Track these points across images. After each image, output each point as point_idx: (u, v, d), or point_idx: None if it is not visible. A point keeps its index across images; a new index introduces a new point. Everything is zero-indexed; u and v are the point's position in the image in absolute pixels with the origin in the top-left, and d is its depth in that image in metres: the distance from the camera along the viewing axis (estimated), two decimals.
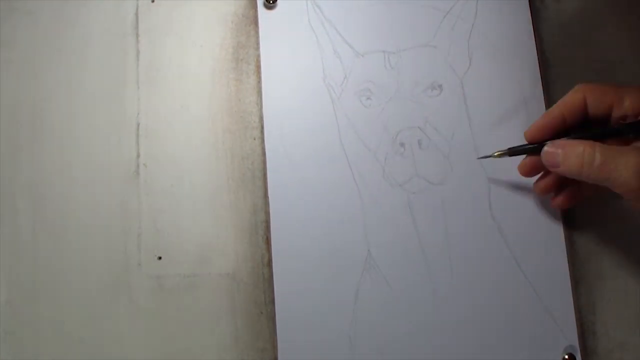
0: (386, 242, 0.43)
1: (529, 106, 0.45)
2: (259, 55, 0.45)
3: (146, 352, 0.41)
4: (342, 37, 0.45)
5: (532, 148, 0.41)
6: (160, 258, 0.42)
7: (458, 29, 0.46)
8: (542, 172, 0.42)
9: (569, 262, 0.43)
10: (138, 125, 0.44)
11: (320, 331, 0.41)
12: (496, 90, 0.45)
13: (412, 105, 0.44)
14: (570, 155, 0.37)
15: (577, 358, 0.41)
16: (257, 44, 0.46)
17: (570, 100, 0.39)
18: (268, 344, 0.42)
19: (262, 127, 0.44)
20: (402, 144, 0.44)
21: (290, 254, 0.42)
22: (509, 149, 0.42)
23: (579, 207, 0.44)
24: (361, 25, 0.46)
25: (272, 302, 0.41)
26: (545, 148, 0.39)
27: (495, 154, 0.43)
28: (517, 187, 0.44)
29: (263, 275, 0.42)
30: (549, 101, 0.45)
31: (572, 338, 0.42)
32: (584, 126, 0.40)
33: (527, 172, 0.42)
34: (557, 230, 0.43)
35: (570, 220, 0.44)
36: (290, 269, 0.42)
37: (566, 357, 0.41)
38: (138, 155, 0.44)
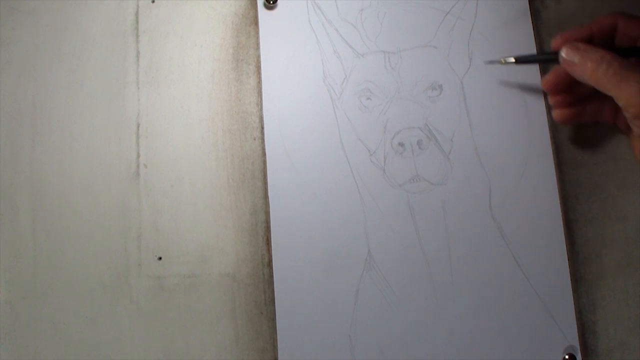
0: (386, 242, 0.43)
1: (529, 106, 0.45)
2: (259, 56, 0.45)
3: (146, 352, 0.41)
4: (342, 38, 0.45)
5: (541, 59, 0.41)
6: (160, 258, 0.42)
7: (458, 29, 0.46)
8: (561, 89, 0.42)
9: (569, 262, 0.43)
10: (138, 125, 0.44)
11: (320, 331, 0.41)
12: (496, 90, 0.45)
13: (412, 106, 0.44)
14: (588, 57, 0.37)
15: (577, 358, 0.41)
16: (258, 44, 0.46)
17: (602, 20, 0.40)
18: (268, 344, 0.41)
19: (262, 128, 0.44)
20: (402, 144, 0.44)
21: (290, 254, 0.42)
22: (515, 56, 0.43)
23: (578, 207, 0.44)
24: (361, 26, 0.46)
25: (272, 302, 0.41)
26: (567, 46, 0.39)
27: (502, 60, 0.43)
28: (517, 187, 0.44)
29: (263, 275, 0.42)
30: (549, 101, 0.45)
31: (572, 338, 0.42)
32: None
33: (550, 86, 0.42)
34: (557, 230, 0.43)
35: (570, 220, 0.44)
36: (290, 269, 0.42)
37: (566, 357, 0.41)
38: (138, 156, 0.44)
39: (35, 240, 0.42)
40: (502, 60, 0.43)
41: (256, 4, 0.46)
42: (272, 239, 0.42)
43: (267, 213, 0.42)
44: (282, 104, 0.44)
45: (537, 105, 0.45)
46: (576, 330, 0.42)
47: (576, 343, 0.42)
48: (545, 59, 0.41)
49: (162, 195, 0.43)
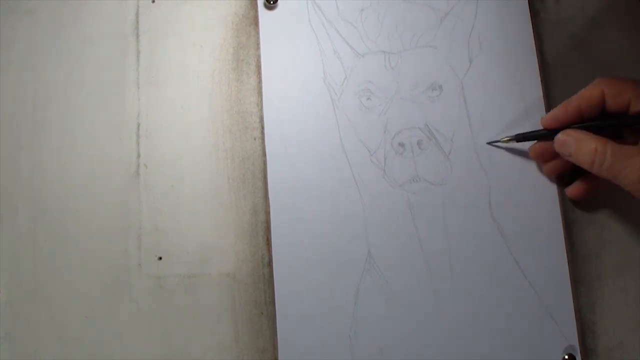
0: (386, 242, 0.43)
1: (529, 106, 0.45)
2: (259, 56, 0.45)
3: (146, 352, 0.41)
4: (343, 38, 0.46)
5: (539, 135, 0.42)
6: (160, 258, 0.42)
7: (458, 30, 0.46)
8: (551, 157, 0.43)
9: (569, 262, 0.43)
10: (138, 125, 0.44)
11: (320, 331, 0.41)
12: (496, 90, 0.45)
13: (412, 106, 0.44)
14: (581, 150, 0.38)
15: (577, 358, 0.41)
16: (258, 44, 0.46)
17: (589, 93, 0.40)
18: (268, 344, 0.42)
19: (263, 128, 0.44)
20: (402, 145, 0.44)
21: (290, 254, 0.42)
22: (516, 135, 0.43)
23: (586, 202, 0.44)
24: (361, 26, 0.46)
25: (273, 302, 0.41)
26: (559, 136, 0.40)
27: (504, 139, 0.43)
28: (517, 187, 0.44)
29: (263, 275, 0.42)
30: (549, 101, 0.45)
31: (572, 338, 0.42)
32: (601, 119, 0.40)
33: (538, 156, 0.43)
34: (557, 230, 0.43)
35: (570, 220, 0.44)
36: (290, 269, 0.42)
37: (566, 357, 0.41)
38: (138, 156, 0.44)
39: (35, 240, 0.42)
40: (503, 139, 0.43)
41: (256, 4, 0.46)
42: (272, 239, 0.42)
43: (267, 213, 0.42)
44: (282, 104, 0.44)
45: (537, 106, 0.45)
46: (576, 330, 0.42)
47: (576, 343, 0.42)
48: (545, 134, 0.41)
49: (162, 195, 0.43)
